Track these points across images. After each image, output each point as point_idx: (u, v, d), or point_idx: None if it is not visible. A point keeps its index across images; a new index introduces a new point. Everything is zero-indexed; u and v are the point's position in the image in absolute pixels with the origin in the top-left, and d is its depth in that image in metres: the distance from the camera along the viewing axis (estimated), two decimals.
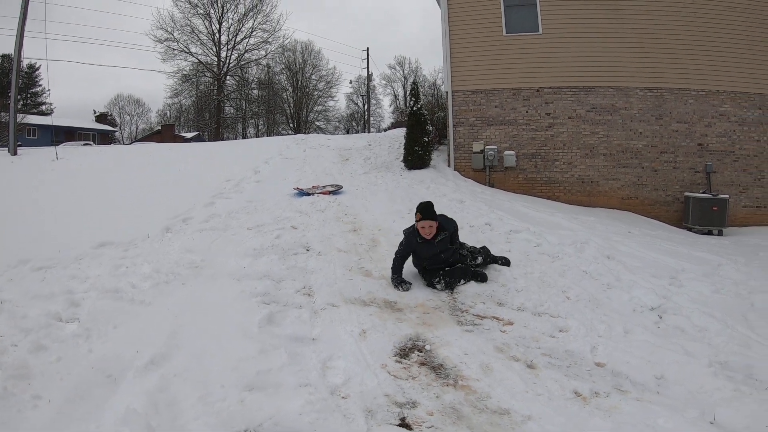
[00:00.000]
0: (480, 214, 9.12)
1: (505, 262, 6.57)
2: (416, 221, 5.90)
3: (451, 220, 6.29)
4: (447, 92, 13.69)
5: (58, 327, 4.41)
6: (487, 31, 13.33)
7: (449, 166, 13.49)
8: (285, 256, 6.79)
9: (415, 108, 13.66)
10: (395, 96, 70.56)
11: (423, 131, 13.37)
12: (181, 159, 15.76)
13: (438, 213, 6.04)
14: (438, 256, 5.92)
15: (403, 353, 4.18)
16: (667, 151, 12.41)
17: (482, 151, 12.97)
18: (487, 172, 12.95)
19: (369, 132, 52.65)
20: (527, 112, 12.99)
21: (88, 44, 69.34)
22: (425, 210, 5.87)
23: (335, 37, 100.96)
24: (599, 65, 12.65)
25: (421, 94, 14.56)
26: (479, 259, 6.26)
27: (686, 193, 11.93)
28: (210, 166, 14.41)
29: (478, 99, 13.30)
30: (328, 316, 4.84)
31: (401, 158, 13.97)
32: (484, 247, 6.60)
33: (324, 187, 11.32)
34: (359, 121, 67.50)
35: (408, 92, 66.37)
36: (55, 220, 8.57)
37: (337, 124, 66.27)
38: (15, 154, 17.36)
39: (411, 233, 5.97)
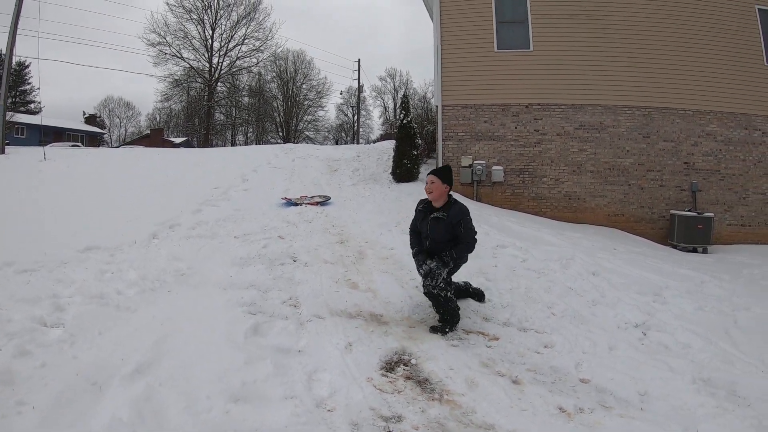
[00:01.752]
0: None
1: (480, 297, 5.92)
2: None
3: (463, 209, 5.28)
4: (437, 106, 13.73)
5: (42, 332, 4.37)
6: (478, 46, 13.41)
7: None
8: (272, 266, 6.78)
9: (405, 121, 13.70)
10: (385, 108, 71.18)
11: (412, 144, 13.41)
12: (170, 164, 15.69)
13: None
14: (430, 235, 5.28)
15: (389, 367, 4.18)
16: (653, 169, 12.52)
17: (471, 166, 13.02)
18: (475, 187, 12.99)
19: (358, 143, 52.84)
20: (516, 128, 13.07)
21: (79, 45, 69.30)
22: (438, 169, 5.40)
23: (327, 47, 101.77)
24: (588, 83, 12.77)
25: (411, 107, 14.63)
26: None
27: (672, 211, 12.03)
28: (198, 172, 14.35)
29: (467, 114, 13.36)
30: (314, 328, 4.83)
31: (390, 171, 13.98)
32: (466, 282, 6.11)
33: (312, 197, 11.31)
34: (348, 132, 67.83)
35: (398, 105, 66.85)
36: (41, 222, 8.51)
37: (326, 134, 66.67)
38: (2, 152, 17.23)
39: (420, 201, 5.63)
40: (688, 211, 11.78)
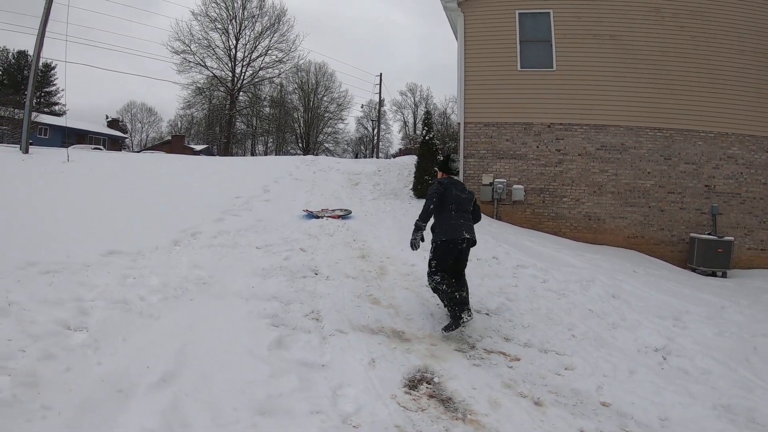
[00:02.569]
0: (487, 248, 9.20)
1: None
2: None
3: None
4: (459, 123, 13.84)
5: (66, 335, 4.37)
6: (502, 65, 13.53)
7: None
8: (293, 278, 6.85)
9: (427, 137, 13.80)
10: (405, 122, 71.73)
11: (434, 161, 13.49)
12: (192, 172, 15.85)
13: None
14: (466, 203, 5.91)
15: (412, 384, 4.25)
16: (674, 191, 12.52)
17: (491, 184, 13.10)
18: (495, 205, 13.06)
19: (378, 157, 53.08)
20: (538, 147, 13.14)
21: (97, 49, 70.57)
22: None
23: (345, 60, 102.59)
24: (611, 104, 12.82)
25: (433, 124, 14.76)
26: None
27: (692, 234, 12.01)
28: (220, 181, 14.48)
29: (489, 132, 13.46)
30: (337, 343, 4.89)
31: (410, 186, 14.11)
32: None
33: (333, 210, 11.41)
34: (368, 145, 68.21)
35: (420, 119, 67.22)
36: (64, 223, 8.57)
37: (346, 146, 67.10)
38: (27, 152, 17.21)
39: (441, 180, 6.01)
40: (708, 234, 11.75)
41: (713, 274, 11.07)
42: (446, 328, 5.42)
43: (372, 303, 6.25)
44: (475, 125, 13.57)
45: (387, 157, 60.78)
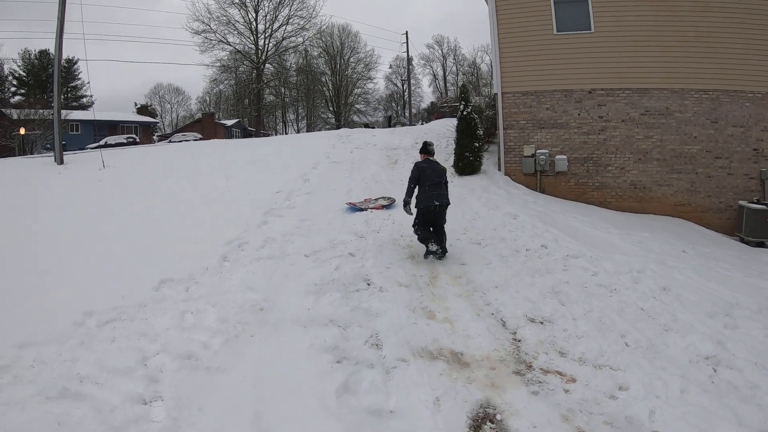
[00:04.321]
0: (535, 234, 9.32)
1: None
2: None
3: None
4: (496, 94, 13.77)
5: (146, 419, 4.47)
6: (536, 29, 13.33)
7: (499, 170, 13.66)
8: (347, 293, 7.03)
9: (465, 112, 13.73)
10: (434, 76, 71.57)
11: (473, 136, 13.49)
12: (228, 164, 16.06)
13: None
14: (437, 178, 8.47)
15: (477, 425, 4.47)
16: (721, 156, 12.35)
17: (533, 156, 13.10)
18: (538, 177, 13.09)
19: (411, 115, 53.04)
20: (579, 114, 13.03)
21: (115, 40, 70.90)
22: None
23: (370, 17, 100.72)
24: (653, 66, 12.57)
25: (470, 97, 14.65)
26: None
27: (740, 202, 11.90)
28: (258, 171, 14.71)
29: (528, 101, 13.38)
30: (400, 379, 5.07)
31: (450, 161, 14.17)
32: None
33: (376, 200, 11.55)
34: (398, 102, 67.81)
35: (449, 71, 66.54)
36: (111, 251, 8.74)
37: (377, 105, 67.05)
38: (61, 162, 17.40)
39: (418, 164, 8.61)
40: (757, 201, 11.62)
41: (762, 245, 11.00)
42: (425, 255, 8.35)
43: (428, 317, 6.42)
44: (513, 95, 13.50)
45: (419, 112, 60.52)
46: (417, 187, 8.40)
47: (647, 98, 12.66)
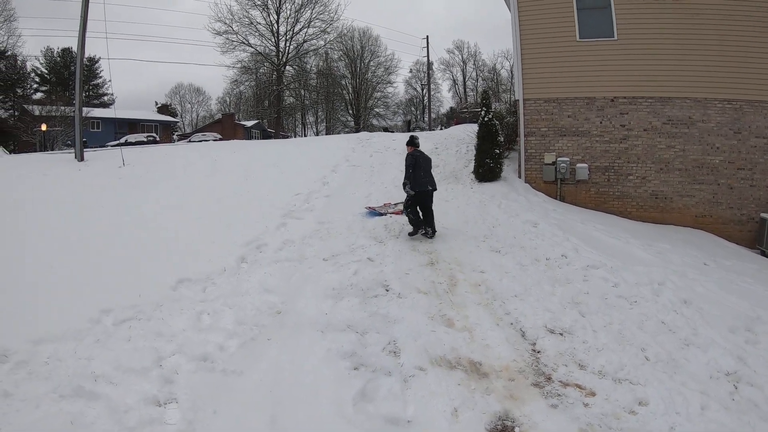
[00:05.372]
0: (555, 243, 9.31)
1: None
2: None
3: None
4: (517, 100, 13.72)
5: (160, 421, 4.48)
6: (559, 36, 13.25)
7: (519, 177, 13.62)
8: (365, 298, 7.05)
9: (486, 118, 13.67)
10: (454, 81, 71.78)
11: (494, 143, 13.45)
12: (247, 164, 16.16)
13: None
14: (429, 166, 10.06)
15: None
16: (744, 167, 12.22)
17: (554, 163, 13.04)
18: (558, 185, 13.04)
19: (430, 119, 53.23)
20: (601, 122, 12.96)
21: (142, 41, 72.11)
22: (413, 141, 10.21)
23: (391, 21, 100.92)
24: (677, 74, 12.45)
25: (492, 103, 14.63)
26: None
27: (762, 215, 11.77)
28: (277, 174, 14.78)
29: (550, 108, 13.32)
30: (418, 388, 5.07)
31: (470, 167, 14.17)
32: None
33: (396, 204, 11.56)
34: (418, 106, 67.98)
35: (468, 77, 66.54)
36: (129, 248, 8.82)
37: (396, 109, 67.16)
38: (82, 159, 17.48)
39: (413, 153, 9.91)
40: None
41: None
42: (410, 234, 9.76)
43: (446, 325, 6.42)
44: (535, 102, 13.45)
45: (438, 117, 60.59)
46: (413, 172, 9.65)
47: (670, 107, 12.54)
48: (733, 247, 11.16)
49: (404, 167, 9.97)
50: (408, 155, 9.88)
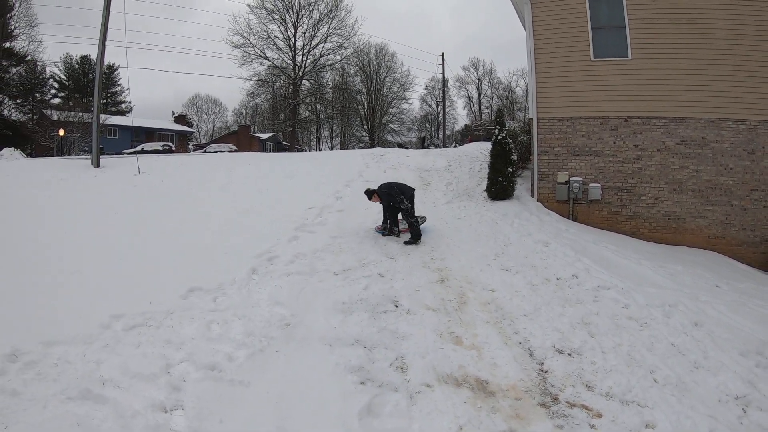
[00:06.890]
0: (566, 263, 9.29)
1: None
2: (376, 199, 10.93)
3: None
4: (531, 119, 13.76)
5: (166, 430, 4.50)
6: (573, 55, 13.28)
7: (532, 196, 13.62)
8: (374, 313, 7.08)
9: (500, 137, 13.64)
10: (469, 98, 72.11)
11: (507, 161, 13.42)
12: (262, 176, 16.33)
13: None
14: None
15: None
16: (758, 188, 12.14)
17: (567, 183, 13.02)
18: (571, 204, 13.01)
19: (444, 136, 53.52)
20: (614, 142, 12.95)
21: (160, 51, 73.38)
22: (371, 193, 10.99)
23: (408, 37, 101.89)
24: (691, 94, 12.44)
25: (505, 121, 14.66)
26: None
27: None
28: (291, 187, 14.90)
29: (563, 127, 13.33)
30: (424, 404, 5.09)
31: (483, 185, 14.17)
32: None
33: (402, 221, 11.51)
34: (432, 123, 68.31)
35: (483, 95, 66.88)
36: (143, 255, 8.96)
37: (411, 125, 67.65)
38: (98, 166, 17.77)
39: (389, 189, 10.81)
40: None
41: None
42: (407, 242, 10.41)
43: (454, 343, 6.44)
44: (549, 120, 13.46)
45: (452, 134, 60.87)
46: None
47: (683, 127, 12.51)
48: (746, 269, 11.07)
49: (393, 202, 10.70)
50: (383, 196, 10.77)
